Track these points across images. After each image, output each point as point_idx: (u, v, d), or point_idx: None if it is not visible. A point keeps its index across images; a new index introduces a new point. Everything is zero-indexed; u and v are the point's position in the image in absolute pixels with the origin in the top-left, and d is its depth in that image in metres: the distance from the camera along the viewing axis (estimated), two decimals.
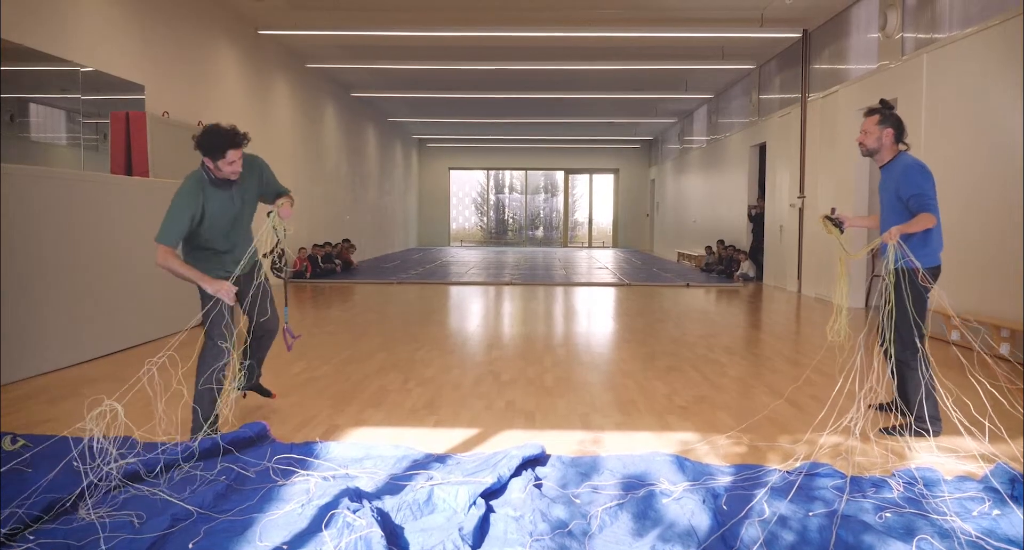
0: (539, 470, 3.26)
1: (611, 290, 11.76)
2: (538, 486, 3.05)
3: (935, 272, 3.83)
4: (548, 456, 3.45)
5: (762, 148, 13.32)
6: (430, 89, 16.14)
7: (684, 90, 15.85)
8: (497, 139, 25.51)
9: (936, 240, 3.84)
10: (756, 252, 13.24)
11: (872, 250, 3.83)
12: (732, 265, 13.90)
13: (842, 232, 3.78)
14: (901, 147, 3.91)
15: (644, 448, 3.65)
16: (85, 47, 7.12)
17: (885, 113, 3.88)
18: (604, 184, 28.18)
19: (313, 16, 10.44)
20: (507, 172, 29.71)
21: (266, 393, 4.42)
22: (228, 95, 10.43)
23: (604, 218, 28.53)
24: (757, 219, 13.21)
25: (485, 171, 29.39)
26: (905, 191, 3.77)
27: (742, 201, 14.25)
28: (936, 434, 3.78)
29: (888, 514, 2.74)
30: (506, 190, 30.48)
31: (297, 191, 13.04)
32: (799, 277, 11.06)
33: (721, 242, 15.11)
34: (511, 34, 10.84)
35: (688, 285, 12.37)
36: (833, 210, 3.99)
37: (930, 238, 3.80)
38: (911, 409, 3.78)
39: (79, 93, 7.04)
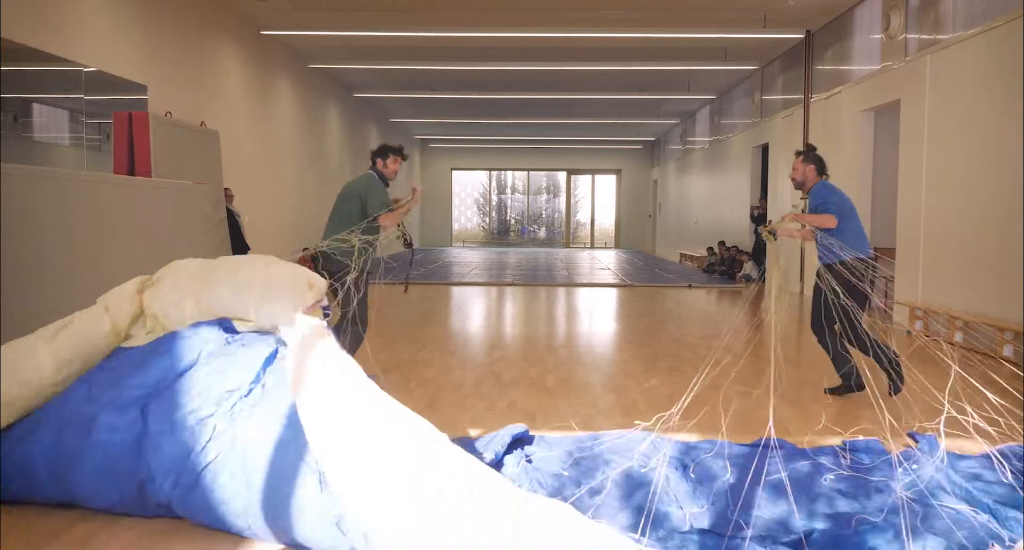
0: (527, 448, 3.51)
1: (613, 291, 11.75)
2: (529, 461, 3.29)
3: (863, 262, 4.57)
4: (532, 436, 3.70)
5: (764, 149, 13.30)
6: (433, 90, 16.14)
7: (687, 91, 15.84)
8: (499, 140, 25.50)
9: (853, 238, 4.65)
10: (758, 253, 13.23)
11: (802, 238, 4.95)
12: (734, 266, 13.89)
13: (776, 239, 4.74)
14: (824, 178, 4.93)
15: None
16: (88, 47, 7.13)
17: (808, 155, 4.93)
18: (606, 185, 28.17)
19: (316, 16, 10.45)
20: (509, 172, 29.72)
21: None
22: (231, 95, 10.45)
23: (606, 219, 28.51)
24: (759, 220, 13.20)
25: (487, 171, 29.40)
26: (812, 204, 4.84)
27: (744, 202, 14.23)
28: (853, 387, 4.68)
29: (832, 477, 3.12)
30: (508, 190, 30.50)
31: (300, 191, 13.06)
32: (801, 278, 11.05)
33: (722, 243, 15.10)
34: (514, 35, 10.84)
35: (690, 286, 12.36)
36: (770, 222, 4.95)
37: (846, 237, 4.60)
38: (888, 371, 4.53)
39: (82, 93, 7.06)
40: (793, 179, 5.00)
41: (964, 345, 6.58)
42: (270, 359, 2.99)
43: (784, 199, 11.81)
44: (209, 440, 2.72)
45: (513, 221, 30.36)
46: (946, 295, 7.24)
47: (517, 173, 29.68)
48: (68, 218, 5.61)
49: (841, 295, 4.07)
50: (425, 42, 11.72)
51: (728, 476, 3.09)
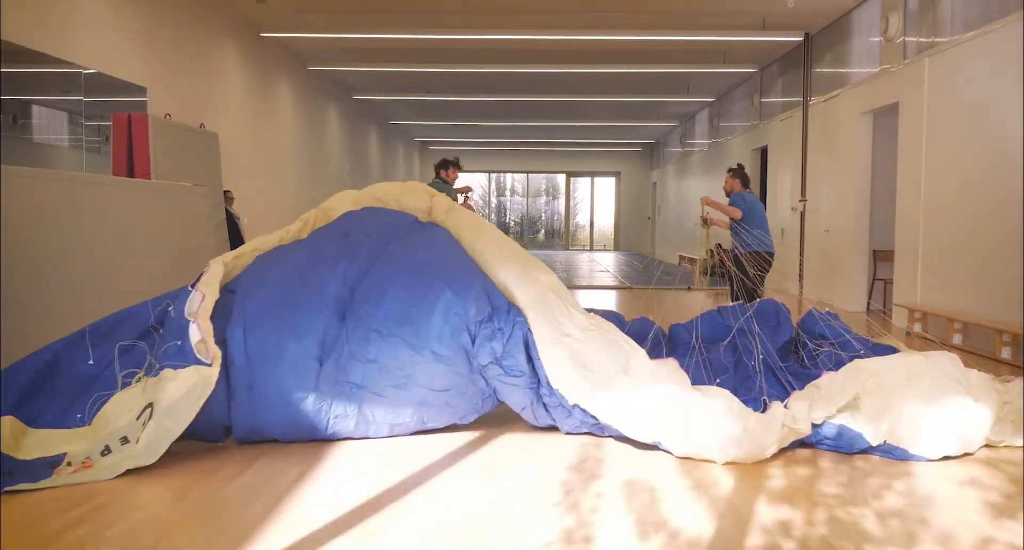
0: None
1: (613, 293, 11.76)
2: None
3: (767, 257, 6.39)
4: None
5: (763, 151, 13.32)
6: (432, 92, 16.16)
7: (686, 93, 15.86)
8: (499, 142, 25.49)
9: (758, 236, 6.21)
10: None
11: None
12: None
13: (708, 226, 6.60)
14: (746, 190, 6.65)
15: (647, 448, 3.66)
16: (88, 49, 7.14)
17: (736, 171, 6.74)
18: (605, 187, 28.17)
19: (316, 19, 10.46)
20: (508, 175, 29.71)
21: None
22: (230, 97, 10.45)
23: (605, 221, 28.52)
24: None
25: (487, 174, 29.39)
26: (728, 202, 6.67)
27: None
28: None
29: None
30: (507, 193, 30.50)
31: (299, 193, 13.06)
32: (800, 280, 11.06)
33: (719, 245, 15.07)
34: (513, 37, 10.85)
35: (689, 288, 12.37)
36: (703, 213, 6.67)
37: (750, 235, 6.07)
38: None
39: (81, 95, 7.06)
40: (724, 190, 6.78)
41: (963, 347, 6.59)
42: (414, 221, 4.62)
43: (783, 202, 11.83)
44: (382, 253, 4.22)
45: (512, 223, 30.37)
46: (945, 297, 7.25)
47: (516, 175, 29.68)
48: (67, 219, 5.61)
49: (741, 273, 5.99)
50: (424, 45, 11.73)
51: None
